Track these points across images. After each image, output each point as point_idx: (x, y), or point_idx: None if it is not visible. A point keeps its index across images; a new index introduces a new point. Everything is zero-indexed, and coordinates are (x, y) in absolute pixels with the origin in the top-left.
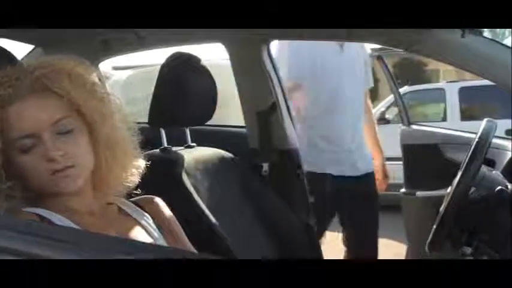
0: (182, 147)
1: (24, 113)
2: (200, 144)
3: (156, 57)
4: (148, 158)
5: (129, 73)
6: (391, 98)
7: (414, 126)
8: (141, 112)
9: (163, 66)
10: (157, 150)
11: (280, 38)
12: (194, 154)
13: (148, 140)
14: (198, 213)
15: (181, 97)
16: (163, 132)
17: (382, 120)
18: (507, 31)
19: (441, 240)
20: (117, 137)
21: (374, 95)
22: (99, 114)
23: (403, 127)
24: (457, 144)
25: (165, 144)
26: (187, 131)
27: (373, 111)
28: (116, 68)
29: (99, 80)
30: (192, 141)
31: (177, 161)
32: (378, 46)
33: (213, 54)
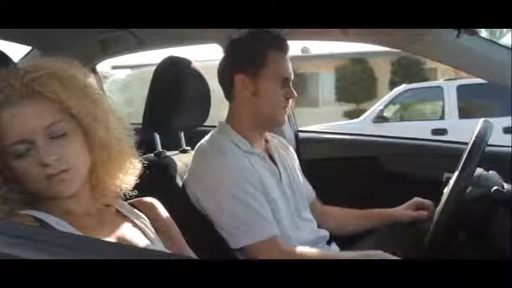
0: (177, 151)
1: (16, 119)
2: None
3: (156, 56)
4: (142, 162)
5: (128, 73)
6: (388, 96)
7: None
8: (139, 112)
9: (155, 71)
10: (152, 154)
11: None
12: (188, 158)
13: (145, 141)
14: (194, 216)
15: (173, 102)
16: (157, 136)
17: (380, 118)
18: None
19: (438, 239)
20: (112, 138)
21: (372, 93)
22: (92, 117)
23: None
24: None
25: (160, 148)
26: (182, 135)
27: (371, 109)
28: (115, 67)
29: (96, 81)
30: (190, 142)
31: (170, 166)
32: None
33: (211, 55)
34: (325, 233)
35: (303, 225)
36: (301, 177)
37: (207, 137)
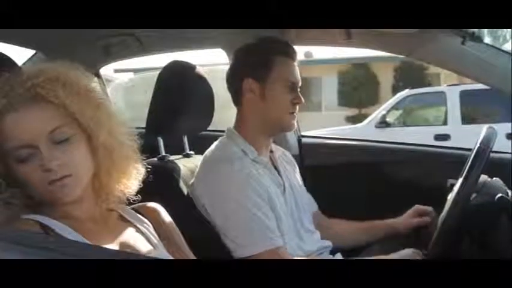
0: (180, 156)
1: (19, 124)
2: (201, 149)
3: (158, 60)
4: (146, 166)
5: (130, 77)
6: (391, 101)
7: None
8: (142, 116)
9: (159, 75)
10: (155, 159)
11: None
12: (192, 163)
13: (148, 145)
14: (197, 222)
15: (177, 106)
16: (160, 140)
17: (383, 123)
18: (507, 35)
19: (442, 246)
20: (115, 143)
21: (374, 98)
22: (95, 121)
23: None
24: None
25: (163, 153)
26: (185, 139)
27: (374, 114)
28: (117, 71)
29: (100, 85)
30: (194, 146)
31: (174, 170)
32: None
33: (215, 60)
34: (328, 243)
35: (306, 236)
36: (304, 189)
37: (215, 143)
